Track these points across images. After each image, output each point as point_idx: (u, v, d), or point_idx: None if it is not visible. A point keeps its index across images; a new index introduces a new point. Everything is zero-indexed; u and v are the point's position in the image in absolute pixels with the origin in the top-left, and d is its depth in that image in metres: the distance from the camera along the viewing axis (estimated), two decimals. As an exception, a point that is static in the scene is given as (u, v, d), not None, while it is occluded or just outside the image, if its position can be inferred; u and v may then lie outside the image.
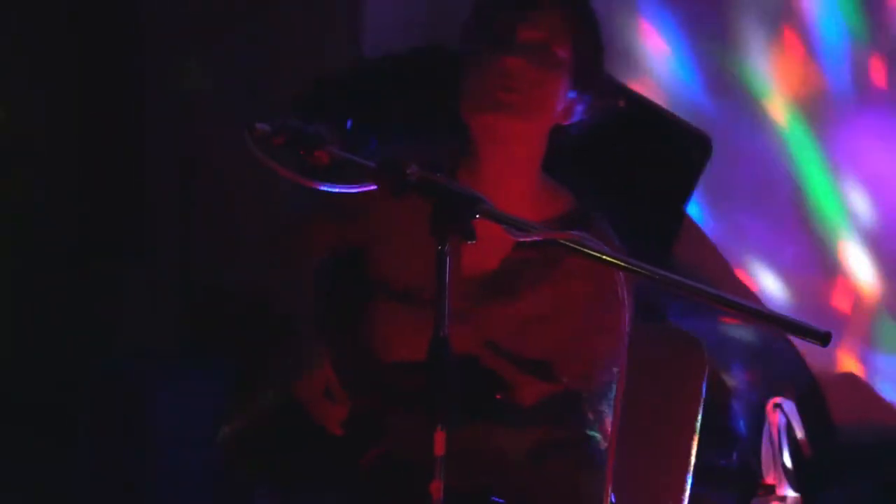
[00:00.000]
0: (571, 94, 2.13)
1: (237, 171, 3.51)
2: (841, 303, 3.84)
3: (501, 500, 2.15)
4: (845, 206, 3.81)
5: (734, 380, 3.52)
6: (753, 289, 3.87)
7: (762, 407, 3.56)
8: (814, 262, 3.83)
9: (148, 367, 3.65)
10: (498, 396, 2.12)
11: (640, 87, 3.83)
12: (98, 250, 3.95)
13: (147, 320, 4.00)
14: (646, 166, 3.81)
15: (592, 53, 2.14)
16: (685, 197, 3.82)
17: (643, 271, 1.59)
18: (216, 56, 3.75)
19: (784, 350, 3.78)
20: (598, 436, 2.15)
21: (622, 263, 1.59)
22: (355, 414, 2.11)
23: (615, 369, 2.13)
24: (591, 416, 2.14)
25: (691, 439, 2.45)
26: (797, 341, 3.76)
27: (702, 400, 2.50)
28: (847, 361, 3.82)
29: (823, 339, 1.48)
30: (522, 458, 2.12)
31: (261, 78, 3.68)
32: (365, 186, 1.79)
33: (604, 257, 1.62)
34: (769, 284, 3.89)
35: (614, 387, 2.11)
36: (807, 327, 1.49)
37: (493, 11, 2.11)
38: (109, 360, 3.75)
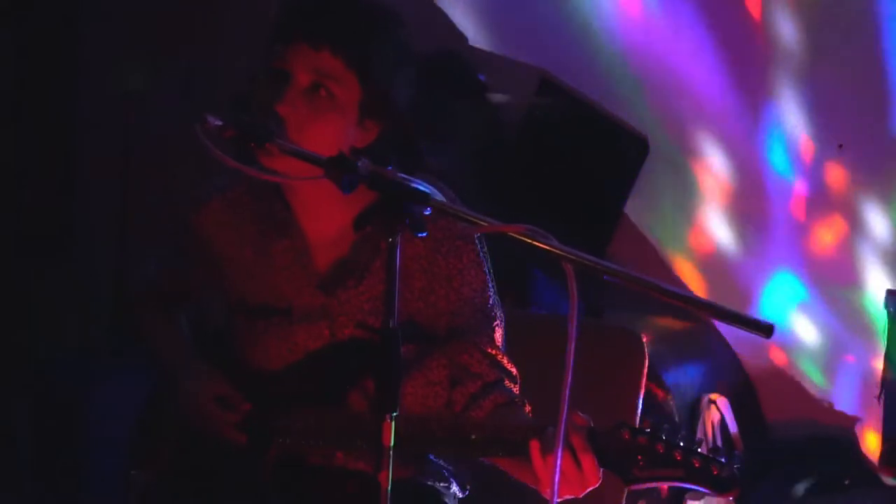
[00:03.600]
0: (364, 123, 2.15)
1: (174, 168, 3.50)
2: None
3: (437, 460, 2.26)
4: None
5: (670, 376, 3.56)
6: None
7: (697, 402, 3.61)
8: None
9: (82, 364, 3.62)
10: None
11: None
12: (31, 246, 3.91)
13: (81, 317, 3.97)
14: (583, 165, 3.85)
15: (384, 88, 2.15)
16: (622, 196, 3.87)
17: (590, 263, 1.61)
18: (155, 53, 3.73)
19: (718, 347, 3.84)
20: (503, 377, 2.21)
21: (573, 257, 1.62)
22: (251, 419, 2.19)
23: (487, 310, 2.22)
24: (486, 361, 2.20)
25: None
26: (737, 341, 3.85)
27: (641, 393, 2.54)
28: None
29: (766, 330, 1.51)
30: (441, 414, 2.19)
31: (200, 75, 3.67)
32: (312, 176, 1.81)
33: (553, 249, 1.65)
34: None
35: (497, 329, 2.23)
36: (751, 319, 1.52)
37: (271, 55, 2.13)
38: (44, 357, 3.72)
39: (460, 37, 3.96)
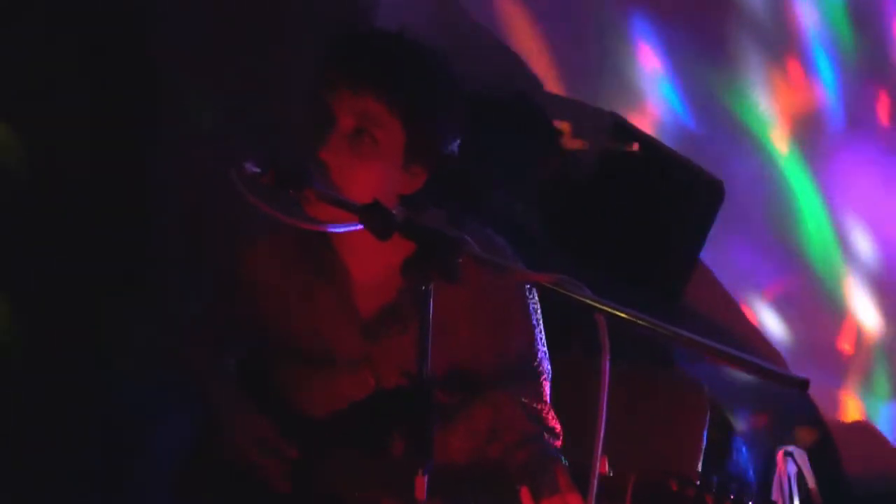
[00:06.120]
0: (410, 168, 2.12)
1: (244, 208, 3.52)
2: (845, 344, 3.80)
3: None
4: (845, 245, 3.78)
5: (744, 425, 3.48)
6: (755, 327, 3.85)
7: (772, 455, 3.51)
8: (817, 301, 3.80)
9: (149, 398, 3.67)
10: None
11: (637, 115, 3.82)
12: (103, 281, 3.97)
13: (149, 352, 4.01)
14: (659, 211, 3.80)
15: (429, 132, 2.11)
16: (697, 242, 3.80)
17: (623, 314, 1.58)
18: (225, 93, 3.78)
19: (795, 397, 3.74)
20: (542, 431, 2.17)
21: (601, 306, 1.58)
22: (296, 466, 2.18)
23: (535, 364, 2.18)
24: (528, 416, 2.17)
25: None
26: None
27: (703, 446, 2.49)
28: (850, 403, 3.79)
29: (801, 385, 1.47)
30: (477, 466, 2.18)
31: (268, 115, 3.70)
32: (350, 227, 1.80)
33: (585, 300, 1.61)
34: (771, 324, 3.87)
35: (544, 383, 2.20)
36: (785, 376, 1.48)
37: (318, 101, 2.12)
38: (112, 391, 3.77)
39: (535, 81, 3.95)
